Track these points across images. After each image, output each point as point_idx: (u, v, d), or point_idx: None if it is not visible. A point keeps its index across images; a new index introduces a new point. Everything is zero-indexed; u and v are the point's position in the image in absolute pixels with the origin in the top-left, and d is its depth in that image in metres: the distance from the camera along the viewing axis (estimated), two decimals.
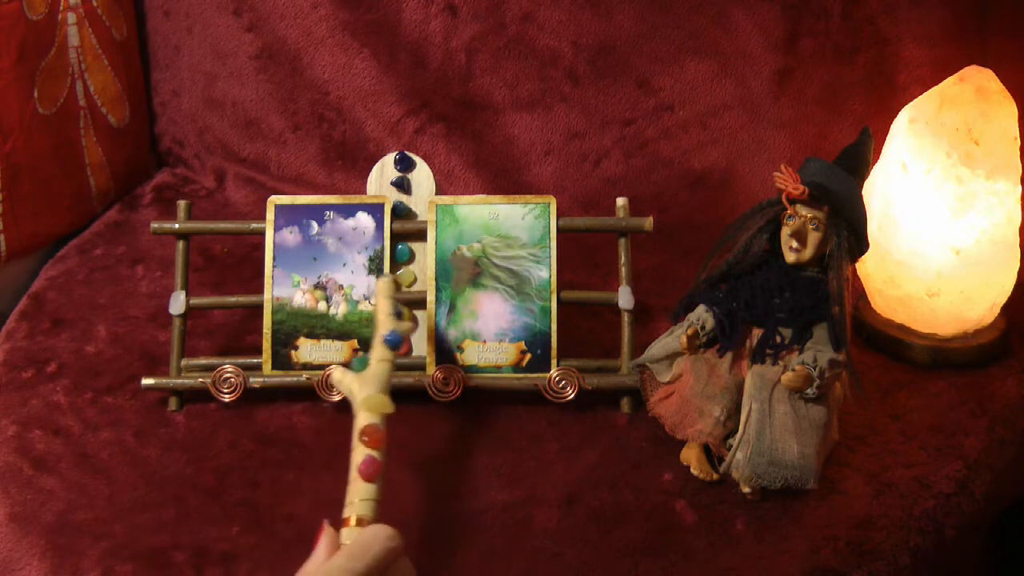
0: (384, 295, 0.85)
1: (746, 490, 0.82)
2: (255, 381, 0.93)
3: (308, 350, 0.94)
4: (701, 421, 0.83)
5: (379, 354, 0.79)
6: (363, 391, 0.75)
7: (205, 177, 1.35)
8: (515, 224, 0.94)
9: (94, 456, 0.89)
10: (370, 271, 0.95)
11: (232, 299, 1.00)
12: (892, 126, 1.00)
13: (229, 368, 0.93)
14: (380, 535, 0.61)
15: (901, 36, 1.15)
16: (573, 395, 0.92)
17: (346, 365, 0.83)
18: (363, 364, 0.78)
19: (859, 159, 0.85)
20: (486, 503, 0.83)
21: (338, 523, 0.67)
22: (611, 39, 1.20)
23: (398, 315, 0.84)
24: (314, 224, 0.96)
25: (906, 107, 0.99)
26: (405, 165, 0.98)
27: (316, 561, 0.61)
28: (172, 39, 1.34)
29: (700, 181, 1.21)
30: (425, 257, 0.96)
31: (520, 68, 1.22)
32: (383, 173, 0.98)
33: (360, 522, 0.67)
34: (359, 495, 0.68)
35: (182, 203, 0.98)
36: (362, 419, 0.73)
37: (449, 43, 1.23)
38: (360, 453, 0.71)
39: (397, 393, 0.93)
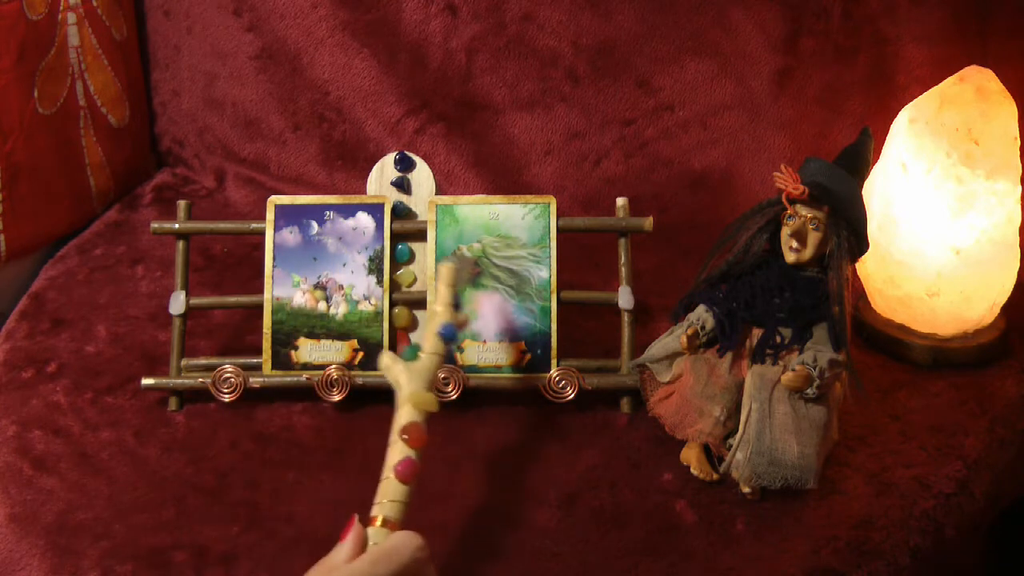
0: (446, 283, 0.78)
1: (746, 490, 0.82)
2: (255, 381, 0.93)
3: (308, 350, 0.94)
4: (701, 421, 0.83)
5: (431, 346, 0.74)
6: (411, 384, 0.71)
7: (205, 177, 1.35)
8: (515, 224, 0.94)
9: (94, 456, 0.89)
10: (370, 271, 0.95)
11: (232, 299, 1.00)
12: (892, 126, 1.00)
13: (229, 368, 0.93)
14: (409, 544, 0.59)
15: (901, 36, 1.15)
16: (573, 395, 0.92)
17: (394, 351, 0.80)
18: (414, 354, 0.73)
19: (859, 159, 0.85)
20: (486, 503, 0.83)
21: (365, 520, 0.64)
22: (611, 39, 1.20)
23: (456, 306, 0.78)
24: (314, 224, 0.96)
25: (906, 107, 0.99)
26: (405, 165, 0.97)
27: (339, 557, 0.59)
28: (172, 39, 1.34)
29: (700, 181, 1.21)
30: (425, 257, 0.96)
31: (520, 68, 1.22)
32: (383, 173, 0.98)
33: (386, 523, 0.64)
34: (390, 495, 0.65)
35: (182, 203, 0.98)
36: (405, 415, 0.69)
37: (449, 43, 1.23)
38: (398, 452, 0.67)
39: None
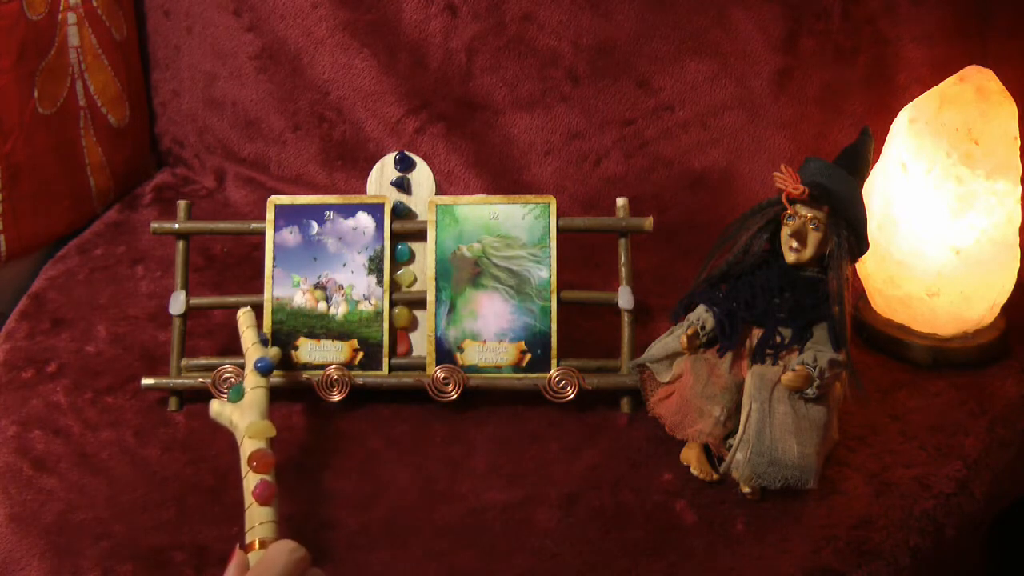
0: (247, 325, 0.89)
1: (746, 490, 0.82)
2: None
3: (308, 350, 0.94)
4: (701, 421, 0.83)
5: (252, 381, 0.82)
6: (244, 419, 0.78)
7: (205, 177, 1.35)
8: (515, 224, 0.94)
9: (94, 456, 0.89)
10: (370, 271, 0.95)
11: (232, 299, 1.00)
12: (892, 126, 1.00)
13: (229, 368, 0.93)
14: (283, 549, 0.62)
15: (901, 36, 1.15)
16: (573, 395, 0.92)
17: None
18: (239, 394, 0.81)
19: (859, 159, 0.85)
20: (486, 503, 0.83)
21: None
22: (611, 39, 1.20)
23: (263, 343, 0.88)
24: (314, 224, 0.96)
25: (906, 107, 0.99)
26: (405, 165, 0.97)
27: None
28: (172, 39, 1.34)
29: (700, 181, 1.21)
30: (425, 257, 0.96)
31: (520, 68, 1.22)
32: (383, 173, 0.98)
33: (263, 544, 0.69)
34: (258, 519, 0.71)
35: (182, 203, 0.98)
36: (248, 446, 0.76)
37: (449, 43, 1.23)
38: (252, 479, 0.73)
39: (398, 393, 0.93)
